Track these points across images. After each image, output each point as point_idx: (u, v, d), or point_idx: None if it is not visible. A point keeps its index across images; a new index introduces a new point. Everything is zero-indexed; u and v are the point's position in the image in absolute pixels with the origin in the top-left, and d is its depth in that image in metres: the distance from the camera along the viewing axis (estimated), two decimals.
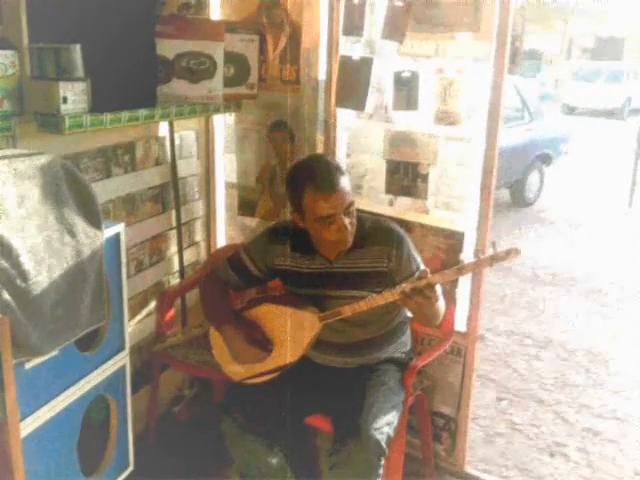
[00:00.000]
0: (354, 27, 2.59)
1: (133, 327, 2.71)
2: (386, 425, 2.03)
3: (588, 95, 17.85)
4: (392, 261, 2.14)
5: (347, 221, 2.04)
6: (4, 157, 1.73)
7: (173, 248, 2.99)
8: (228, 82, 2.64)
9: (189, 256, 3.09)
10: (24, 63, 1.99)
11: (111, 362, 2.14)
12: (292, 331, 2.15)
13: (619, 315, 4.75)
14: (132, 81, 2.28)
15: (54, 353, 1.82)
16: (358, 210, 2.13)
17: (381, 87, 2.62)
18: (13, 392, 1.59)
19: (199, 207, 3.13)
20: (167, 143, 2.83)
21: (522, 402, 3.46)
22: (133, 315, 2.74)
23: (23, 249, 1.65)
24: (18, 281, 1.63)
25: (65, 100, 1.98)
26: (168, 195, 2.90)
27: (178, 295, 2.94)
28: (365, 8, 2.55)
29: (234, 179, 3.09)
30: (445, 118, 2.49)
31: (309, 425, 2.27)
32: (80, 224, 1.86)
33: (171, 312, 2.85)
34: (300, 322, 2.14)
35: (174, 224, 2.95)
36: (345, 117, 2.76)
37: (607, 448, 3.06)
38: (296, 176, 2.10)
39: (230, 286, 2.32)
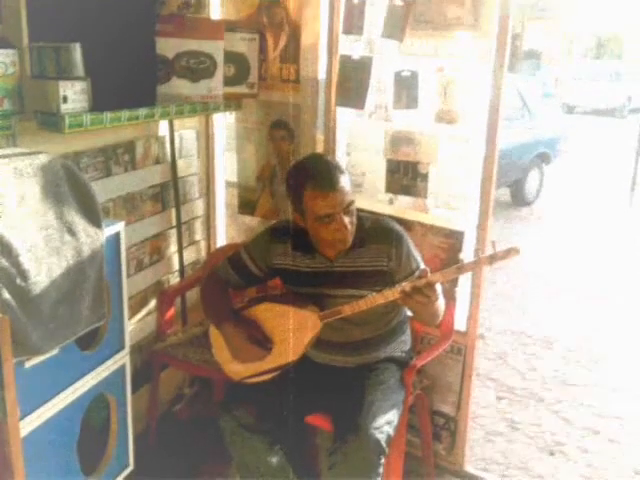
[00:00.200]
0: (354, 26, 2.59)
1: (133, 326, 2.71)
2: (386, 424, 2.03)
3: (588, 94, 17.86)
4: (392, 260, 2.14)
5: (347, 220, 2.04)
6: (4, 156, 1.73)
7: (173, 247, 2.99)
8: (228, 81, 2.65)
9: (189, 255, 3.09)
10: (24, 62, 1.99)
11: (111, 361, 2.14)
12: (292, 330, 2.15)
13: (619, 314, 4.75)
14: (132, 80, 2.28)
15: (54, 352, 1.82)
16: (358, 209, 2.13)
17: (381, 86, 2.62)
18: (13, 391, 1.59)
19: (199, 206, 3.13)
20: (167, 142, 2.83)
21: (522, 401, 3.46)
22: (133, 314, 2.74)
23: (23, 248, 1.65)
24: (18, 280, 1.63)
25: (65, 99, 1.98)
26: (168, 194, 2.90)
27: (178, 294, 2.94)
28: (365, 7, 2.55)
29: (234, 178, 3.09)
30: (445, 117, 2.49)
31: (309, 424, 2.27)
32: (80, 223, 1.86)
33: (171, 311, 2.86)
34: (300, 321, 2.14)
35: (174, 223, 2.96)
36: (345, 116, 2.76)
37: (607, 447, 3.06)
38: (296, 175, 2.10)
39: (230, 285, 2.32)
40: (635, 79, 18.46)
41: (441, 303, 2.08)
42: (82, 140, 2.35)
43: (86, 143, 2.39)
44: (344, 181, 2.03)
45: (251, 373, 2.18)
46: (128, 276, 2.27)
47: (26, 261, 1.66)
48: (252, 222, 3.08)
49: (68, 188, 1.86)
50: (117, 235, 2.08)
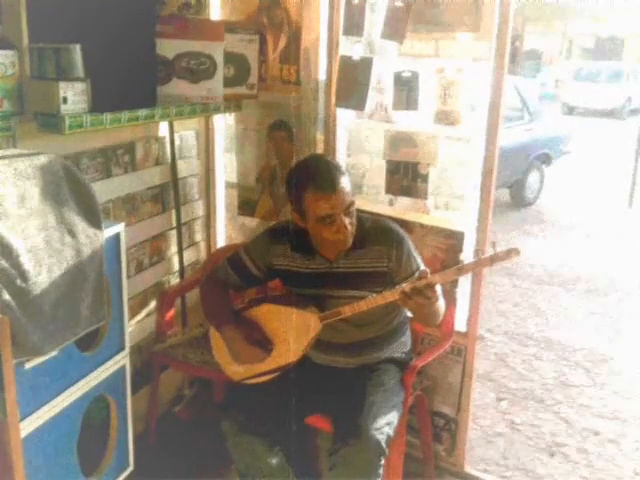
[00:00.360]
0: (354, 27, 2.59)
1: (133, 327, 2.71)
2: (386, 425, 2.03)
3: (588, 95, 17.85)
4: (392, 261, 2.14)
5: (347, 221, 2.04)
6: (4, 157, 1.73)
7: (173, 248, 2.99)
8: (228, 82, 2.64)
9: (189, 256, 3.09)
10: (24, 63, 1.99)
11: (111, 362, 2.14)
12: (292, 331, 2.15)
13: (619, 315, 4.75)
14: (132, 81, 2.28)
15: (54, 353, 1.82)
16: (358, 210, 2.13)
17: (381, 87, 2.62)
18: (13, 392, 1.59)
19: (199, 207, 3.13)
20: (167, 143, 2.83)
21: (522, 402, 3.46)
22: (133, 315, 2.74)
23: (23, 249, 1.65)
24: (18, 281, 1.63)
25: (65, 100, 1.98)
26: (168, 195, 2.90)
27: (178, 295, 2.94)
28: (365, 8, 2.55)
29: (234, 179, 3.09)
30: (445, 118, 2.49)
31: (309, 425, 2.27)
32: (80, 224, 1.86)
33: (171, 312, 2.85)
34: (300, 322, 2.14)
35: (174, 224, 2.96)
36: (345, 117, 2.76)
37: (607, 448, 3.06)
38: (296, 176, 2.10)
39: (230, 286, 2.32)
40: (635, 80, 18.46)
41: (441, 304, 2.08)
42: (82, 141, 2.35)
43: (86, 144, 2.39)
44: (344, 182, 2.03)
45: (251, 374, 2.18)
46: (128, 277, 2.27)
47: (26, 262, 1.66)
48: (252, 223, 3.08)
49: (68, 189, 1.86)
50: (117, 236, 2.08)
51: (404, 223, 2.51)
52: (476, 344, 2.62)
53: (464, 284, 2.55)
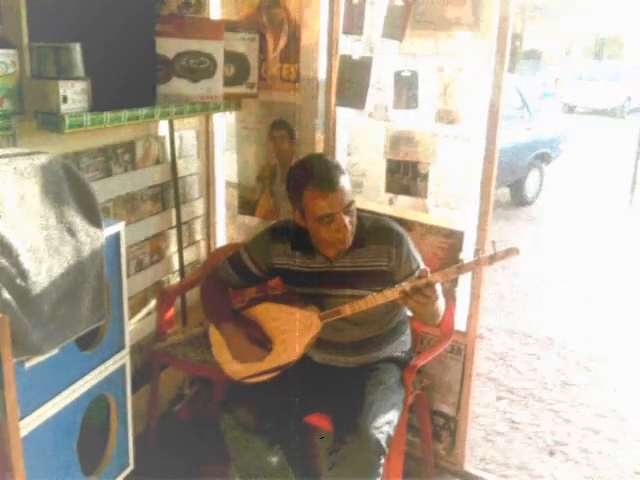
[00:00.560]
0: (354, 26, 2.59)
1: (133, 326, 2.71)
2: (386, 424, 2.03)
3: (588, 94, 17.85)
4: (392, 260, 2.14)
5: (347, 220, 2.04)
6: (4, 156, 1.73)
7: (173, 247, 2.99)
8: (228, 81, 2.65)
9: (189, 255, 3.09)
10: (24, 62, 1.99)
11: (111, 361, 2.14)
12: (292, 330, 2.15)
13: (619, 314, 4.75)
14: (132, 80, 2.28)
15: (54, 352, 1.82)
16: (358, 209, 2.13)
17: (381, 86, 2.62)
18: (13, 391, 1.59)
19: (199, 206, 3.13)
20: (167, 142, 2.83)
21: (522, 401, 3.46)
22: (133, 314, 2.74)
23: (23, 248, 1.65)
24: (18, 280, 1.63)
25: (65, 99, 1.98)
26: (168, 194, 2.90)
27: (178, 294, 2.94)
28: (365, 7, 2.55)
29: (234, 178, 3.09)
30: (445, 117, 2.49)
31: (309, 424, 2.28)
32: (80, 223, 1.86)
33: (171, 311, 2.86)
34: (300, 321, 2.14)
35: (174, 223, 2.96)
36: (345, 116, 2.76)
37: (607, 447, 3.06)
38: (296, 175, 2.10)
39: (230, 285, 2.32)
40: (635, 79, 18.45)
41: (441, 303, 2.08)
42: (82, 140, 2.35)
43: (86, 143, 2.39)
44: (344, 181, 2.03)
45: (251, 373, 2.18)
46: (128, 276, 2.27)
47: (26, 261, 1.66)
48: (252, 222, 3.08)
49: (68, 188, 1.86)
50: (117, 235, 2.08)
51: (404, 222, 2.51)
52: (476, 343, 2.62)
53: (464, 283, 2.55)
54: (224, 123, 3.08)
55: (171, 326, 2.85)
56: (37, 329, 1.71)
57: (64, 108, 1.98)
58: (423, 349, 2.59)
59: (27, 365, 1.74)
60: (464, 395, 2.67)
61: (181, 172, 2.94)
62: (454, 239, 2.55)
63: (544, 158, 8.20)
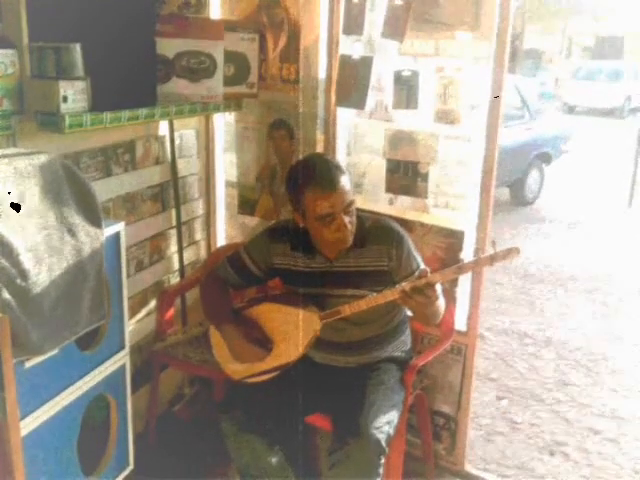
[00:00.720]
0: (354, 26, 2.59)
1: (133, 326, 2.71)
2: (386, 424, 2.03)
3: (588, 94, 17.86)
4: (392, 260, 2.14)
5: (347, 220, 2.04)
6: (4, 156, 1.73)
7: (173, 247, 2.99)
8: (228, 81, 2.64)
9: (189, 255, 3.09)
10: (24, 62, 1.99)
11: (111, 361, 2.14)
12: (292, 330, 2.15)
13: (619, 314, 4.75)
14: (132, 80, 2.28)
15: (54, 352, 1.82)
16: (358, 209, 2.13)
17: (381, 86, 2.62)
18: (13, 391, 1.59)
19: (199, 206, 3.13)
20: (167, 142, 2.83)
21: (522, 401, 3.46)
22: (133, 314, 2.74)
23: (23, 248, 1.65)
24: (18, 280, 1.63)
25: (65, 99, 1.98)
26: (168, 194, 2.90)
27: (178, 294, 2.94)
28: (365, 7, 2.55)
29: (234, 178, 3.09)
30: (445, 117, 2.49)
31: (309, 424, 2.28)
32: (80, 223, 1.86)
33: (171, 311, 2.86)
34: (300, 321, 2.14)
35: (174, 223, 2.95)
36: (345, 116, 2.76)
37: (607, 447, 3.06)
38: (296, 175, 2.10)
39: (230, 285, 2.32)
40: (635, 79, 18.47)
41: (441, 303, 2.08)
42: (82, 140, 2.34)
43: (86, 143, 2.39)
44: (344, 181, 2.03)
45: (251, 373, 2.18)
46: (128, 276, 2.27)
47: (26, 261, 1.65)
48: (252, 222, 3.08)
49: (68, 188, 1.86)
50: (117, 235, 2.08)
51: (404, 222, 2.51)
52: (476, 343, 2.62)
53: (464, 283, 2.55)
54: (224, 123, 3.08)
55: (171, 326, 2.85)
56: (37, 329, 1.71)
57: (64, 108, 1.98)
58: (423, 349, 2.59)
59: (27, 365, 1.74)
60: (464, 395, 2.67)
61: (181, 172, 2.94)
62: (454, 239, 2.55)
63: (544, 158, 8.20)
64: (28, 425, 1.78)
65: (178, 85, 2.54)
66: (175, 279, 3.03)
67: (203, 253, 3.19)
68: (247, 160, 3.01)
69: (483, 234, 2.44)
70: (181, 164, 2.93)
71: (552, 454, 3.00)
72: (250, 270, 2.27)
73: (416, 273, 2.04)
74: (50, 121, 2.01)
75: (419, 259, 2.21)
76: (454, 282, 2.53)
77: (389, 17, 2.47)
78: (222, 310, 2.25)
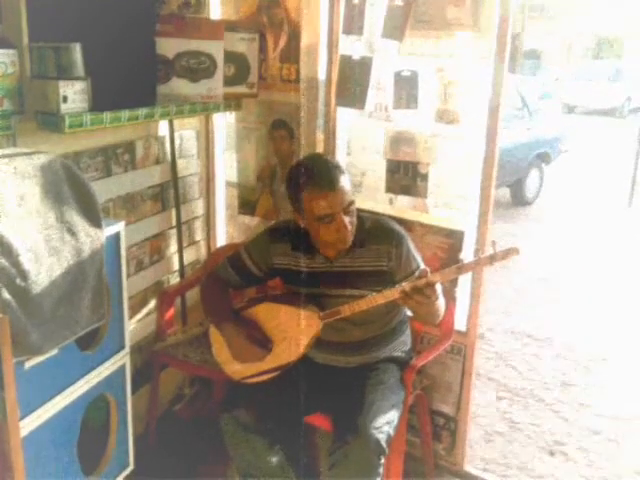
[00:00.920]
0: (354, 26, 2.59)
1: (133, 326, 2.71)
2: (386, 424, 2.03)
3: (588, 94, 17.84)
4: (392, 260, 2.14)
5: (347, 220, 2.04)
6: (4, 156, 1.73)
7: (173, 247, 2.99)
8: (228, 81, 2.65)
9: (189, 255, 3.09)
10: (24, 62, 1.99)
11: (111, 361, 2.14)
12: (292, 330, 2.15)
13: (619, 314, 4.75)
14: (132, 80, 2.28)
15: (54, 352, 1.82)
16: (358, 209, 2.13)
17: (381, 86, 2.62)
18: (13, 391, 1.59)
19: (199, 206, 3.13)
20: (167, 142, 2.83)
21: (522, 401, 3.46)
22: (133, 314, 2.74)
23: (23, 248, 1.65)
24: (18, 280, 1.63)
25: (65, 99, 1.98)
26: (168, 194, 2.90)
27: (178, 294, 2.94)
28: (365, 7, 2.55)
29: (234, 178, 3.09)
30: (445, 117, 2.49)
31: (309, 424, 2.28)
32: (80, 223, 1.86)
33: (171, 311, 2.86)
34: (300, 321, 2.14)
35: (174, 223, 2.95)
36: (345, 116, 2.76)
37: (607, 447, 3.06)
38: (296, 175, 2.10)
39: (230, 285, 2.32)
40: (635, 79, 18.45)
41: (441, 303, 2.08)
42: (82, 140, 2.35)
43: (86, 143, 2.39)
44: (344, 181, 2.03)
45: (251, 373, 2.18)
46: (128, 276, 2.27)
47: (26, 261, 1.65)
48: (252, 222, 3.08)
49: (68, 188, 1.86)
50: (117, 235, 2.08)
51: (404, 222, 2.51)
52: (476, 343, 2.62)
53: (464, 283, 2.55)
54: (224, 123, 3.08)
55: (171, 326, 2.84)
56: (37, 329, 1.71)
57: (64, 108, 1.98)
58: (423, 349, 2.59)
59: (27, 365, 1.74)
60: (464, 395, 2.67)
61: (181, 172, 2.94)
62: (454, 239, 2.55)
63: (544, 158, 8.20)
64: (28, 425, 1.78)
65: (178, 85, 2.54)
66: (175, 279, 3.03)
67: (203, 253, 3.19)
68: (247, 160, 3.01)
69: (483, 234, 2.44)
70: (181, 164, 2.93)
71: (552, 454, 3.00)
72: (250, 270, 2.27)
73: (416, 273, 2.04)
74: (50, 121, 2.01)
75: (419, 259, 2.21)
76: (454, 282, 2.53)
77: (389, 17, 2.48)
78: (222, 310, 2.25)
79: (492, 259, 1.92)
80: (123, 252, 2.11)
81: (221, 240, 3.22)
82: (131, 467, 2.32)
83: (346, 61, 2.62)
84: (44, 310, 1.73)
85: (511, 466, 2.89)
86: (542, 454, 3.00)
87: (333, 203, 2.00)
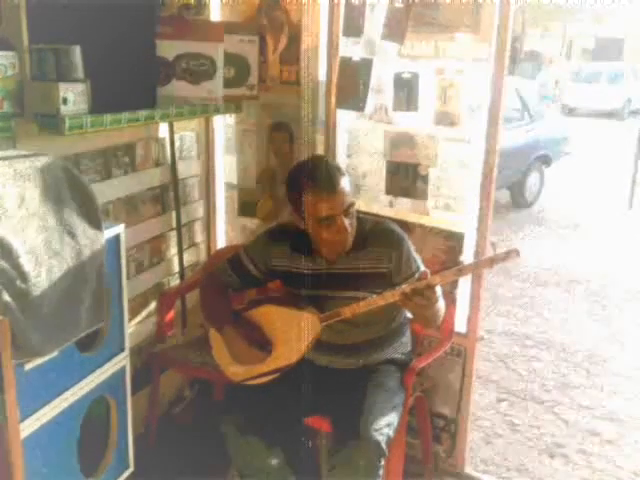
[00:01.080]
0: (354, 28, 2.59)
1: (133, 328, 2.71)
2: (386, 426, 2.03)
3: (588, 96, 17.84)
4: (392, 262, 2.14)
5: (347, 222, 2.04)
6: (4, 158, 1.73)
7: (173, 249, 2.99)
8: (228, 83, 2.65)
9: (189, 257, 3.09)
10: (24, 64, 1.99)
11: (111, 363, 2.14)
12: (292, 332, 2.15)
13: (619, 316, 4.75)
14: (132, 82, 2.28)
15: (54, 354, 1.82)
16: (358, 211, 2.13)
17: (381, 88, 2.62)
18: (13, 393, 1.59)
19: (199, 208, 3.13)
20: (167, 144, 2.83)
21: (522, 403, 3.46)
22: (133, 316, 2.74)
23: (23, 250, 1.65)
24: (18, 282, 1.63)
25: (65, 101, 1.98)
26: (168, 196, 2.90)
27: (178, 296, 2.94)
28: (365, 9, 2.55)
29: (234, 180, 3.09)
30: (445, 119, 2.49)
31: (309, 426, 2.27)
32: (80, 225, 1.86)
33: (171, 313, 2.85)
34: (300, 323, 2.14)
35: (174, 225, 2.96)
36: (345, 118, 2.76)
37: (607, 449, 3.06)
38: (296, 177, 2.10)
39: (230, 287, 2.32)
40: (635, 81, 18.46)
41: (441, 305, 2.08)
42: (82, 142, 2.35)
43: (86, 145, 2.39)
44: (344, 183, 2.03)
45: (251, 375, 2.18)
46: (128, 278, 2.27)
47: (26, 263, 1.66)
48: (252, 224, 3.08)
49: (68, 190, 1.86)
50: (117, 237, 2.08)
51: (404, 224, 2.51)
52: (476, 345, 2.62)
53: (464, 285, 2.55)
54: (224, 125, 3.08)
55: (171, 328, 2.84)
56: (37, 331, 1.71)
57: (64, 110, 1.98)
58: (423, 351, 2.59)
59: (27, 367, 1.74)
60: (464, 397, 2.67)
61: (181, 174, 2.94)
62: (454, 241, 2.55)
63: (544, 160, 8.20)
64: (28, 427, 1.78)
65: (178, 87, 2.54)
66: (175, 281, 3.03)
67: (203, 255, 3.19)
68: (247, 162, 3.01)
69: (483, 236, 2.44)
70: (181, 166, 2.94)
71: (552, 456, 2.99)
72: (250, 272, 2.27)
73: (416, 275, 2.04)
74: (50, 123, 2.01)
75: (419, 261, 2.21)
76: (454, 284, 2.53)
77: (389, 19, 2.48)
78: (222, 312, 2.25)
79: (492, 261, 1.92)
80: (123, 254, 2.11)
81: (221, 242, 3.22)
82: (131, 469, 2.32)
83: (346, 63, 2.62)
84: (44, 312, 1.73)
85: (511, 468, 2.89)
86: (542, 456, 2.99)
87: (333, 205, 2.00)
